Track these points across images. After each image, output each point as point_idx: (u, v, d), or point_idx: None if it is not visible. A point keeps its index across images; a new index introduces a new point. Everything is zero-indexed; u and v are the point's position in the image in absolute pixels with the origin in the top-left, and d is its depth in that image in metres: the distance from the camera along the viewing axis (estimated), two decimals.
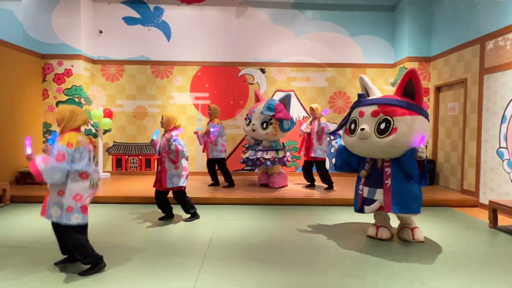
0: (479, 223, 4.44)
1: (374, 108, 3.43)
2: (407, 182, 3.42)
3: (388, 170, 3.47)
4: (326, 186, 6.04)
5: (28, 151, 2.63)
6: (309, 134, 5.84)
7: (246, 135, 6.23)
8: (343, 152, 3.89)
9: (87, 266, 2.78)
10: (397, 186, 3.40)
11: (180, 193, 4.24)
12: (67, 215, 2.60)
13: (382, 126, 3.34)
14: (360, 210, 3.69)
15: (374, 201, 3.53)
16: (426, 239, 3.73)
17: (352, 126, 3.60)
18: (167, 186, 4.04)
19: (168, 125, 4.09)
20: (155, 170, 4.21)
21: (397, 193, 3.39)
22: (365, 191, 3.63)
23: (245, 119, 6.04)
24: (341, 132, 4.03)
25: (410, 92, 3.41)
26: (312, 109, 5.88)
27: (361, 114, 3.50)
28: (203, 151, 6.10)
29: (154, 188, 4.24)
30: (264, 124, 5.69)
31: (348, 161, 3.87)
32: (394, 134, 3.29)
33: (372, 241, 3.64)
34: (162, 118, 4.12)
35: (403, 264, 3.04)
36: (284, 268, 2.94)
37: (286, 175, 6.39)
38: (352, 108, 3.70)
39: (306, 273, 2.84)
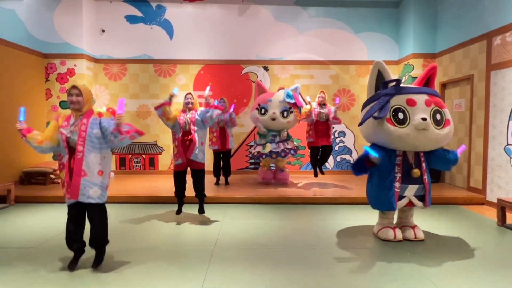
0: (487, 221, 4.39)
1: (425, 97, 3.26)
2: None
3: (425, 165, 3.44)
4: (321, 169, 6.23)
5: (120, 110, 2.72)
6: (324, 122, 5.83)
7: (261, 125, 5.90)
8: (382, 156, 3.38)
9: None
10: (430, 180, 3.47)
11: (203, 172, 4.31)
12: (105, 193, 2.78)
13: (438, 117, 3.25)
14: (394, 207, 3.41)
15: (403, 197, 3.41)
16: (434, 237, 3.70)
17: (401, 116, 3.24)
18: (191, 157, 4.10)
19: (194, 106, 4.20)
20: (176, 149, 4.13)
21: (430, 187, 3.47)
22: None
23: (257, 108, 5.92)
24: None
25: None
26: (323, 92, 5.91)
27: (412, 102, 3.22)
28: (219, 146, 5.92)
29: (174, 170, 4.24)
30: (285, 113, 5.77)
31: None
32: (450, 126, 3.30)
33: (379, 241, 3.60)
34: (192, 97, 4.16)
35: (412, 263, 3.00)
36: (291, 268, 2.91)
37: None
38: (390, 94, 3.30)
39: (314, 273, 2.81)
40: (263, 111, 5.85)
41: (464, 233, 3.88)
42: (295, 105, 5.83)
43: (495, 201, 4.53)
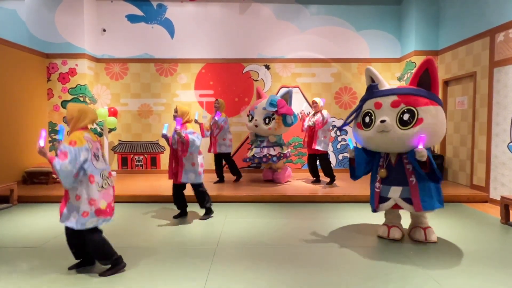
0: (490, 219, 4.37)
1: (393, 98, 3.22)
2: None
3: (409, 167, 3.30)
4: (329, 180, 6.09)
5: (41, 143, 2.48)
6: (312, 127, 5.90)
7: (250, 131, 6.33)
8: (361, 154, 3.55)
9: (107, 267, 2.80)
10: (422, 183, 3.26)
11: (198, 186, 4.29)
12: (83, 220, 2.59)
13: (406, 117, 3.14)
14: (378, 210, 3.49)
15: (388, 199, 3.41)
16: (438, 236, 3.65)
17: (367, 119, 3.36)
18: (182, 180, 4.10)
19: (181, 118, 4.10)
20: (170, 163, 4.21)
21: (423, 190, 3.25)
22: (380, 189, 3.46)
23: (248, 115, 6.15)
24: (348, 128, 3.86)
25: (425, 83, 3.26)
26: (314, 102, 5.95)
27: (378, 105, 3.28)
28: (209, 150, 6.15)
29: (169, 184, 4.36)
30: (267, 120, 5.80)
31: (368, 161, 3.58)
32: (420, 125, 3.11)
33: (383, 240, 3.59)
34: (176, 110, 4.11)
35: (416, 263, 2.99)
36: (293, 267, 2.91)
37: (290, 170, 6.53)
38: (364, 100, 3.45)
39: (316, 273, 2.80)
40: (250, 118, 6.01)
41: (467, 231, 3.86)
42: (284, 111, 5.73)
43: (499, 199, 4.51)
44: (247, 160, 6.10)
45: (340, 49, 7.44)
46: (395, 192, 3.36)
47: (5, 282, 2.64)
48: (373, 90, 3.39)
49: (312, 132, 5.89)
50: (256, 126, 5.82)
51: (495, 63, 5.11)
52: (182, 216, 4.41)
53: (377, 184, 3.45)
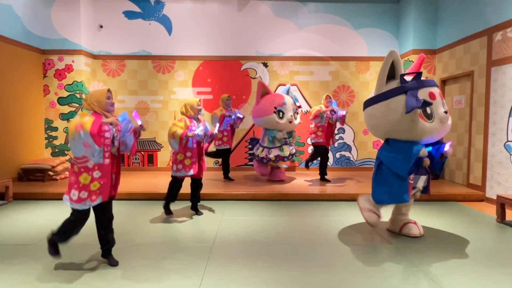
0: (486, 217, 4.39)
1: (437, 90, 3.31)
2: None
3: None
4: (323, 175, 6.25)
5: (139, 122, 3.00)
6: (331, 124, 5.97)
7: (279, 131, 5.83)
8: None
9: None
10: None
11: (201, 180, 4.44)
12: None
13: (446, 108, 3.30)
14: (407, 200, 3.38)
15: (414, 188, 3.44)
16: (433, 234, 3.69)
17: (428, 110, 3.22)
18: (204, 169, 4.29)
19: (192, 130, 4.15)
20: (196, 160, 4.14)
21: None
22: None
23: (274, 112, 5.71)
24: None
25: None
26: (329, 97, 6.02)
27: (433, 95, 3.22)
28: (229, 144, 6.06)
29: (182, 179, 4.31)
30: (295, 115, 5.91)
31: None
32: (450, 116, 3.32)
33: (379, 238, 3.60)
34: (202, 104, 4.28)
35: (411, 260, 2.99)
36: (290, 265, 2.91)
37: None
38: (414, 88, 3.20)
39: (313, 271, 2.80)
40: (281, 114, 5.73)
41: (463, 230, 3.87)
42: (298, 106, 6.02)
43: (495, 197, 4.52)
44: (285, 159, 5.84)
45: (338, 47, 7.43)
46: (421, 181, 3.46)
47: (0, 279, 2.62)
48: (421, 78, 3.30)
49: (332, 128, 6.00)
50: (291, 122, 5.78)
51: (493, 62, 5.11)
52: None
53: (412, 176, 3.38)
